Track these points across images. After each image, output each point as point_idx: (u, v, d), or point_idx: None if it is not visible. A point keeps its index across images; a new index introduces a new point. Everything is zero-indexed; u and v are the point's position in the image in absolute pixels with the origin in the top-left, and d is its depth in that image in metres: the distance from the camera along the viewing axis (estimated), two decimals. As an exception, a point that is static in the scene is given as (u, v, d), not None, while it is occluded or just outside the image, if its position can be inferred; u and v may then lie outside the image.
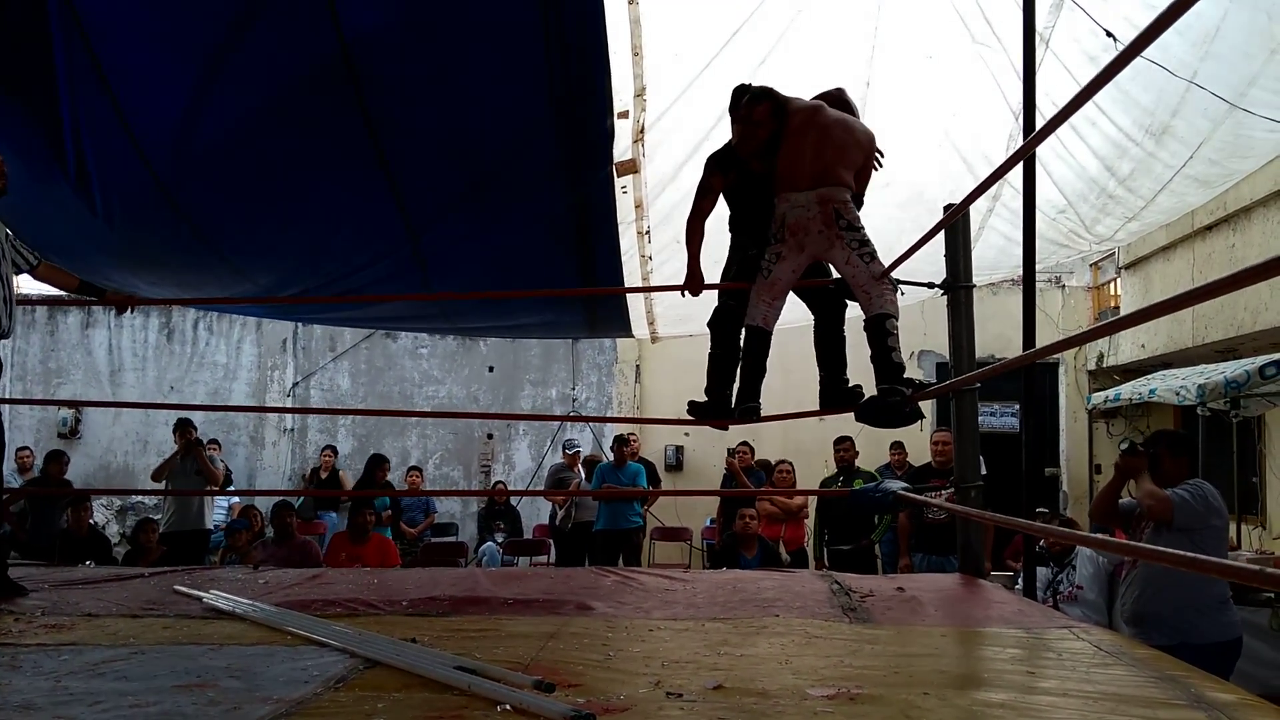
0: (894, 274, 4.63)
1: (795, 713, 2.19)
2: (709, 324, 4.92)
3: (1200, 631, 4.43)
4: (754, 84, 4.71)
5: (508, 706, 2.19)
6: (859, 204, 4.67)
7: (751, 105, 4.58)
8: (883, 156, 4.74)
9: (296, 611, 3.46)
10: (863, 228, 4.46)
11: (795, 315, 5.05)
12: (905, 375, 4.51)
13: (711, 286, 4.88)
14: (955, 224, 4.52)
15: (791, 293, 4.89)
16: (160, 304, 10.55)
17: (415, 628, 3.20)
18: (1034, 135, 3.57)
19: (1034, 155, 5.02)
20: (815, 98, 4.80)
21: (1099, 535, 4.58)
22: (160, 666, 2.67)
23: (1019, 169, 5.18)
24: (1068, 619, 3.61)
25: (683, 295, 4.94)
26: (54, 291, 4.95)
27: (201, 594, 3.85)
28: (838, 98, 4.81)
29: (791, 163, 4.50)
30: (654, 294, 8.16)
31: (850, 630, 3.18)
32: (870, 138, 4.66)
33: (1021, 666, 2.72)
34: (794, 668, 2.62)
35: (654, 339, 9.81)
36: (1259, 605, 5.75)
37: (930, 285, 4.67)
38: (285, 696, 2.31)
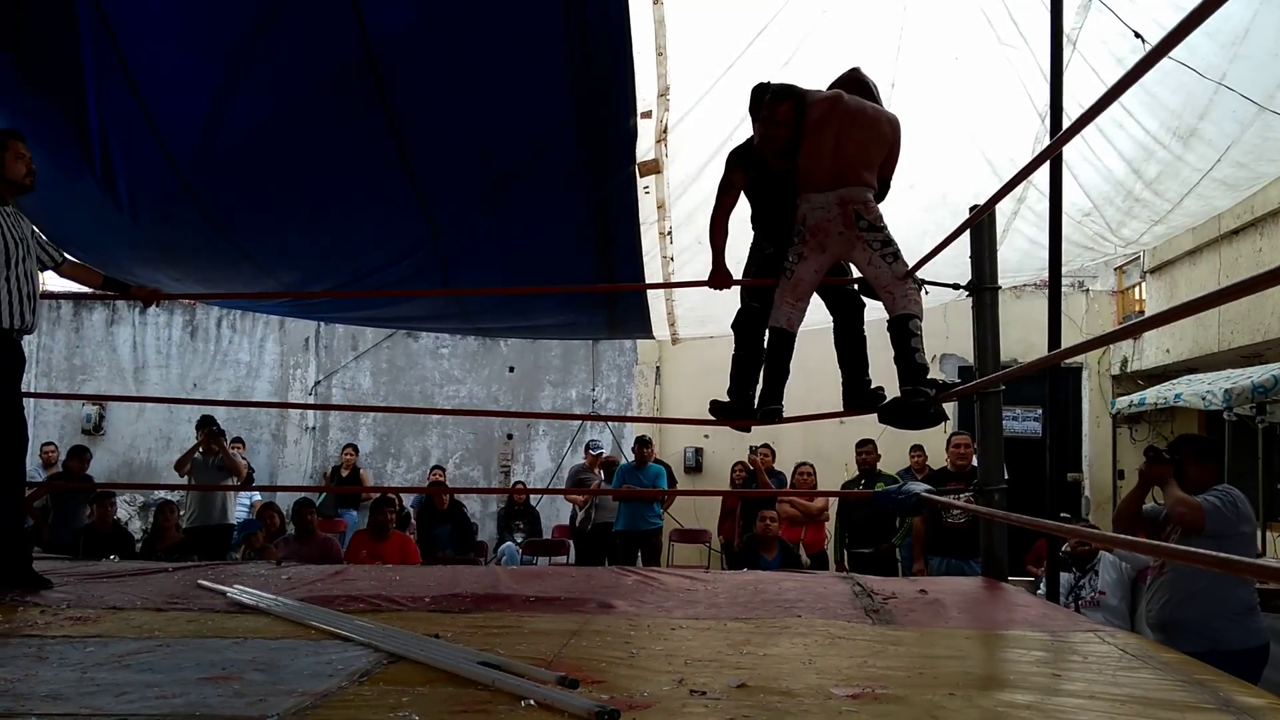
0: (918, 275, 4.61)
1: (820, 712, 2.18)
2: (733, 325, 4.91)
3: (1228, 638, 4.38)
4: (774, 82, 4.67)
5: (532, 702, 2.19)
6: (886, 190, 4.63)
7: (773, 105, 4.55)
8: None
9: (319, 607, 3.47)
10: (885, 227, 4.44)
11: (816, 318, 5.03)
12: (929, 376, 4.49)
13: (737, 282, 4.87)
14: (980, 225, 4.49)
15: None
16: (184, 299, 10.57)
17: (438, 624, 3.20)
18: (1060, 134, 3.55)
19: (1060, 157, 4.99)
20: (833, 83, 4.75)
21: (1127, 536, 4.52)
22: (185, 659, 2.68)
23: (1045, 171, 5.15)
24: (1092, 623, 3.59)
25: (714, 289, 4.93)
26: (79, 287, 4.98)
27: (225, 589, 3.87)
28: (853, 79, 4.73)
29: (811, 162, 4.48)
30: (675, 295, 8.15)
31: (873, 631, 3.17)
32: (894, 124, 4.60)
33: (1046, 669, 2.71)
34: (817, 668, 2.61)
35: (675, 340, 9.79)
36: (1284, 611, 5.69)
37: (955, 286, 4.65)
38: (310, 690, 2.32)
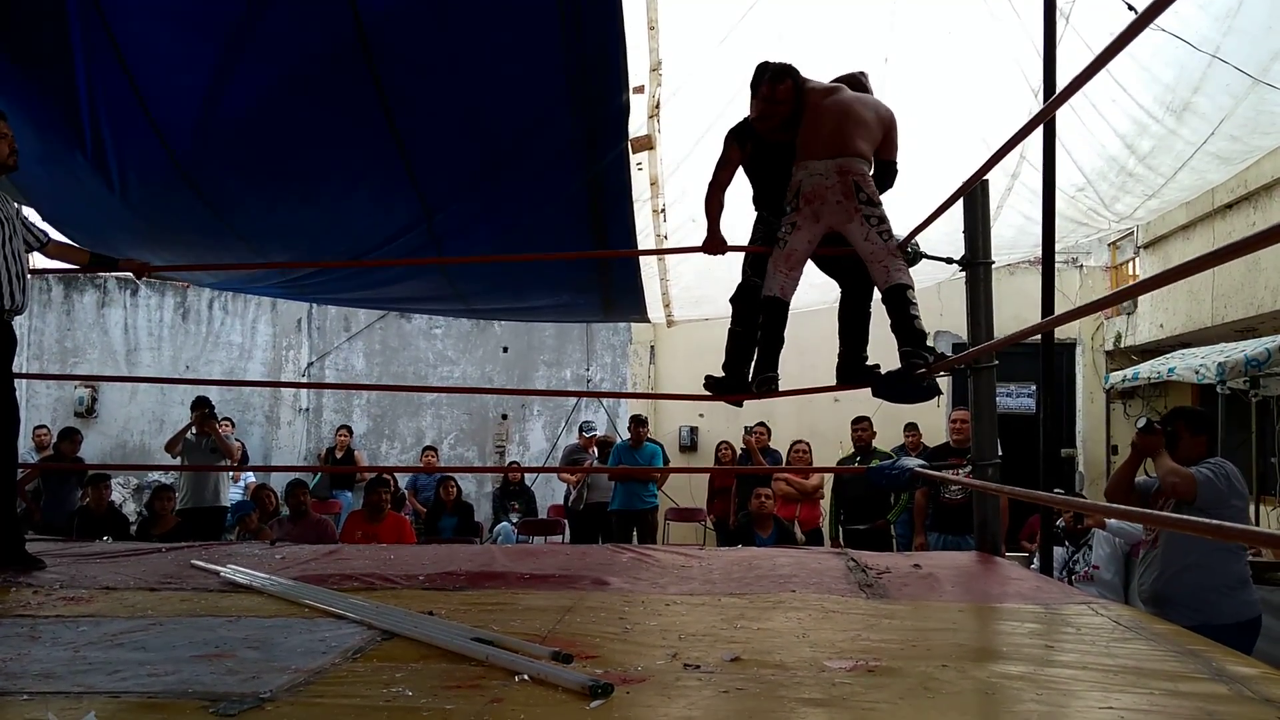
0: (918, 241, 4.61)
1: (813, 684, 2.18)
2: (732, 299, 4.90)
3: (1221, 611, 4.39)
4: (774, 61, 4.66)
5: (526, 677, 2.19)
6: (894, 174, 4.67)
7: (774, 83, 4.55)
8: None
9: (313, 585, 3.47)
10: (881, 204, 4.45)
11: (812, 298, 5.02)
12: (927, 344, 4.49)
13: (732, 248, 4.86)
14: (974, 200, 4.48)
15: (818, 268, 4.88)
16: (173, 270, 10.43)
17: (432, 601, 3.20)
18: (1053, 99, 3.53)
19: (1054, 131, 4.96)
20: (835, 79, 4.79)
21: (1121, 506, 4.53)
22: (178, 637, 2.68)
23: (1038, 146, 5.13)
24: (1085, 595, 3.60)
25: (709, 254, 4.93)
26: (70, 267, 4.95)
27: (219, 568, 3.87)
28: (857, 80, 4.81)
29: (811, 134, 4.51)
30: (669, 275, 8.13)
31: (867, 605, 3.17)
32: (890, 115, 4.66)
33: (1040, 641, 2.71)
34: (811, 641, 2.61)
35: (669, 323, 9.78)
36: (1277, 585, 5.72)
37: (949, 260, 4.63)
38: (303, 666, 2.32)
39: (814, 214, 4.46)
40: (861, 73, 4.88)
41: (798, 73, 4.62)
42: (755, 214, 4.99)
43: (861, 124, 4.51)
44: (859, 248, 4.48)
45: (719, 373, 4.89)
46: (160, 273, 9.63)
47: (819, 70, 4.81)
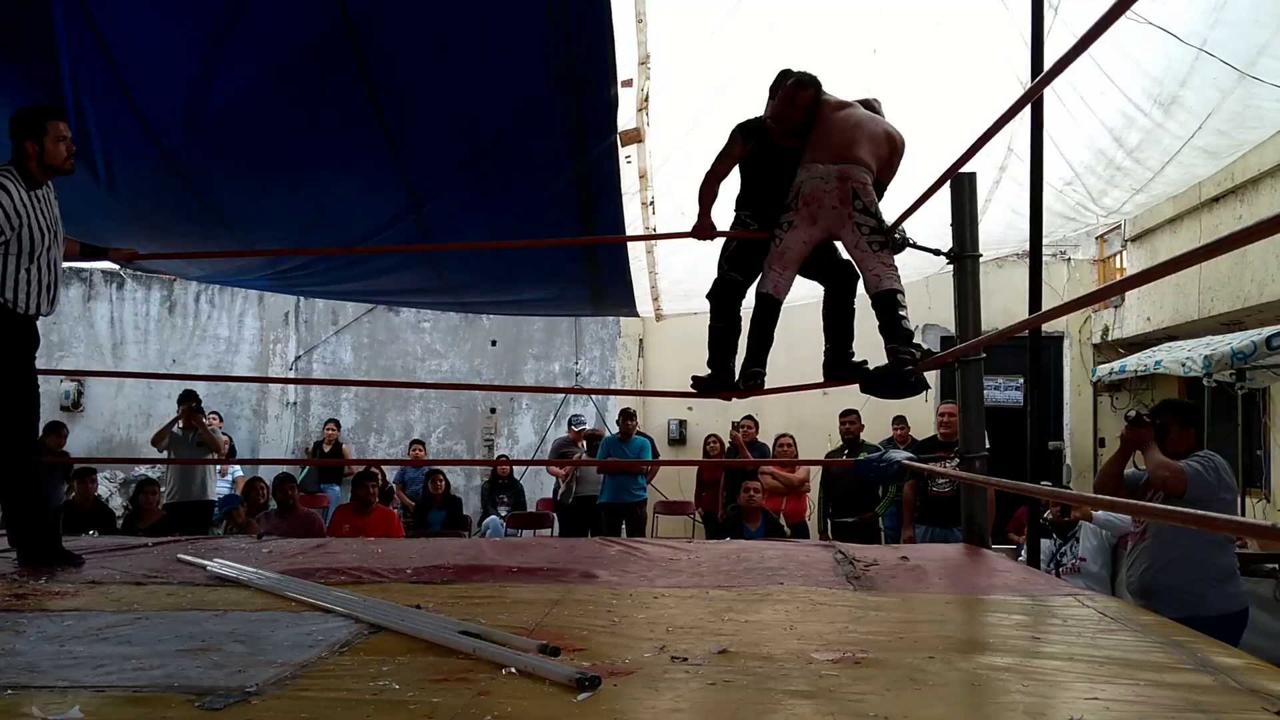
0: (905, 229, 4.62)
1: (800, 676, 2.18)
2: (708, 295, 4.90)
3: (1208, 604, 4.41)
4: (800, 70, 4.70)
5: (513, 669, 2.19)
6: (880, 192, 4.69)
7: (795, 89, 4.63)
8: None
9: (300, 579, 3.46)
10: (878, 213, 4.46)
11: (801, 292, 5.01)
12: (914, 341, 4.50)
13: (721, 233, 4.86)
14: (961, 193, 4.49)
15: (801, 275, 4.88)
16: (162, 259, 10.39)
17: (420, 595, 3.19)
18: (1041, 76, 3.52)
19: (1041, 122, 4.96)
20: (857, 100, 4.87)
21: (1109, 497, 4.53)
22: (164, 631, 2.66)
23: (1026, 139, 5.12)
24: (1072, 587, 3.61)
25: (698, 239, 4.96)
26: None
27: (205, 562, 3.85)
28: (871, 104, 4.88)
29: (820, 140, 4.58)
30: (658, 268, 8.12)
31: (855, 598, 3.18)
32: (902, 141, 4.71)
33: (1026, 632, 2.72)
34: (799, 633, 2.61)
35: (658, 317, 9.76)
36: (1263, 576, 5.75)
37: (936, 252, 4.64)
38: (290, 660, 2.31)
39: (810, 216, 4.51)
40: (876, 99, 4.96)
41: (820, 86, 4.69)
42: (735, 215, 4.98)
43: (870, 138, 4.58)
44: (850, 253, 4.54)
45: (706, 364, 4.90)
46: (147, 265, 9.62)
47: (813, 66, 4.80)
